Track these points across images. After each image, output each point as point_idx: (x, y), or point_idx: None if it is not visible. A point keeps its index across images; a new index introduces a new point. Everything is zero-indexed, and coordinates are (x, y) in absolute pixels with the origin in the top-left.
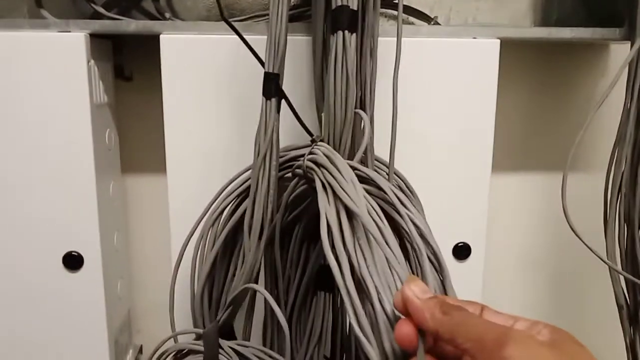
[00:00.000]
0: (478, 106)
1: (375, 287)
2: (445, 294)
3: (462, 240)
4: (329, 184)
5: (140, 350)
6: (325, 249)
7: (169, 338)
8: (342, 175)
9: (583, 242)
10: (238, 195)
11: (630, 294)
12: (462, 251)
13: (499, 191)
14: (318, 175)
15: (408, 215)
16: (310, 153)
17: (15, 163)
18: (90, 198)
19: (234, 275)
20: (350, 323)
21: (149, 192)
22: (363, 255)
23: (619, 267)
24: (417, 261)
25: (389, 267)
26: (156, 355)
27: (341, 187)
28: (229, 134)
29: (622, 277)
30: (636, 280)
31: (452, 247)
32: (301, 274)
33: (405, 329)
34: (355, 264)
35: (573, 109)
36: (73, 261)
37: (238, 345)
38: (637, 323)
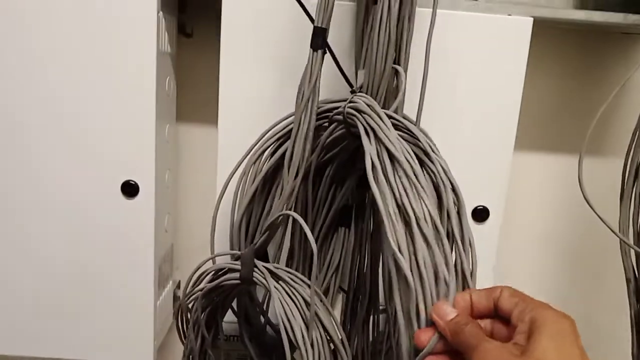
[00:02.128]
0: (506, 82)
1: (414, 211)
2: (459, 215)
3: (481, 204)
4: (371, 128)
5: (178, 286)
6: (371, 182)
7: (209, 259)
8: (382, 121)
9: (596, 214)
10: (278, 139)
11: (638, 269)
12: (480, 214)
13: (521, 168)
14: (360, 120)
15: (436, 158)
16: (351, 102)
17: (86, 99)
18: (149, 134)
19: (270, 209)
20: (386, 238)
21: (199, 141)
22: (403, 187)
23: (631, 242)
24: (442, 193)
25: (420, 198)
26: (197, 274)
27: (382, 131)
28: (276, 88)
29: (632, 253)
30: None
31: (471, 209)
32: (327, 211)
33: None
34: (397, 194)
35: (603, 96)
36: (130, 189)
37: (271, 266)
38: None
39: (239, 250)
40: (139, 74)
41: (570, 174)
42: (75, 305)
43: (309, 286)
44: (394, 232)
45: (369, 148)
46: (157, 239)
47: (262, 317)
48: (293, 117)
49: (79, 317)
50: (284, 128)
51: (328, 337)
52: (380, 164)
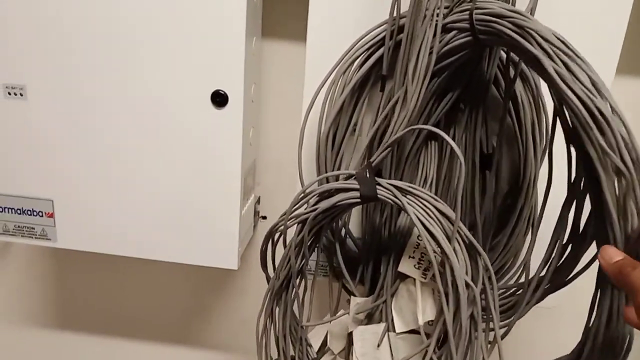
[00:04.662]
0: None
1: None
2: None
3: None
4: (528, 32)
5: (258, 201)
6: (562, 87)
7: (317, 180)
8: (536, 21)
9: None
10: (369, 48)
11: None
12: None
13: (622, 94)
14: (504, 25)
15: None
16: (479, 7)
17: (177, 13)
18: (239, 45)
19: (355, 125)
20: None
21: (281, 57)
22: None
23: None
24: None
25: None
26: (302, 195)
27: (542, 32)
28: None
29: None
30: None
31: None
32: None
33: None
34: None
35: None
36: (220, 99)
37: (397, 182)
38: None
39: (325, 165)
40: None
41: None
42: (165, 212)
43: (433, 198)
44: (598, 130)
45: (534, 51)
46: (243, 150)
47: (343, 230)
48: (385, 25)
49: (169, 222)
50: (375, 37)
51: (466, 245)
52: (559, 66)
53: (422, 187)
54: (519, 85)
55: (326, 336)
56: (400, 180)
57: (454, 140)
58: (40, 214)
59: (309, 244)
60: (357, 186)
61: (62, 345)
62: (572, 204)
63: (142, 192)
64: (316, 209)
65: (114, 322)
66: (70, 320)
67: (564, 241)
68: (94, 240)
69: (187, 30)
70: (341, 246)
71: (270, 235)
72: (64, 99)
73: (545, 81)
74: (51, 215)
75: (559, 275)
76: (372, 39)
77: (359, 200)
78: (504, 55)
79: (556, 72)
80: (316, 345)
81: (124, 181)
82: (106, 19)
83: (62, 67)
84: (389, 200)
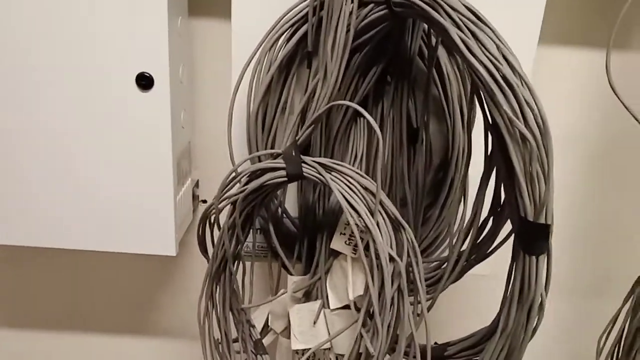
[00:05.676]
0: None
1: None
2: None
3: None
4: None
5: (197, 185)
6: (468, 56)
7: (246, 160)
8: None
9: (621, 101)
10: (294, 24)
11: None
12: None
13: (547, 63)
14: None
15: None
16: None
17: None
18: (161, 25)
19: (285, 103)
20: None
21: (212, 37)
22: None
23: None
24: None
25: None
26: (231, 176)
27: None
28: None
29: None
30: None
31: None
32: (350, 100)
33: None
34: (493, 61)
35: None
36: (145, 81)
37: (321, 159)
38: None
39: (256, 144)
40: None
41: (597, 69)
42: (97, 200)
43: (357, 173)
44: (503, 97)
45: (443, 21)
46: (174, 134)
47: (279, 210)
48: (309, 0)
49: (101, 211)
50: (299, 12)
51: (391, 219)
52: (466, 35)
53: (353, 163)
54: (444, 57)
55: (268, 316)
56: (331, 158)
57: (383, 114)
58: None
59: (241, 225)
60: (284, 165)
61: (4, 343)
62: (489, 178)
63: (72, 182)
64: (245, 189)
65: (57, 317)
66: (8, 317)
67: (484, 215)
68: (23, 233)
69: (108, 12)
70: (278, 226)
71: (205, 218)
72: None
73: (454, 52)
74: None
75: (479, 250)
76: (296, 15)
77: (285, 179)
78: (426, 26)
79: (462, 41)
80: (259, 326)
81: (52, 171)
82: (22, 5)
83: None
84: (314, 178)
